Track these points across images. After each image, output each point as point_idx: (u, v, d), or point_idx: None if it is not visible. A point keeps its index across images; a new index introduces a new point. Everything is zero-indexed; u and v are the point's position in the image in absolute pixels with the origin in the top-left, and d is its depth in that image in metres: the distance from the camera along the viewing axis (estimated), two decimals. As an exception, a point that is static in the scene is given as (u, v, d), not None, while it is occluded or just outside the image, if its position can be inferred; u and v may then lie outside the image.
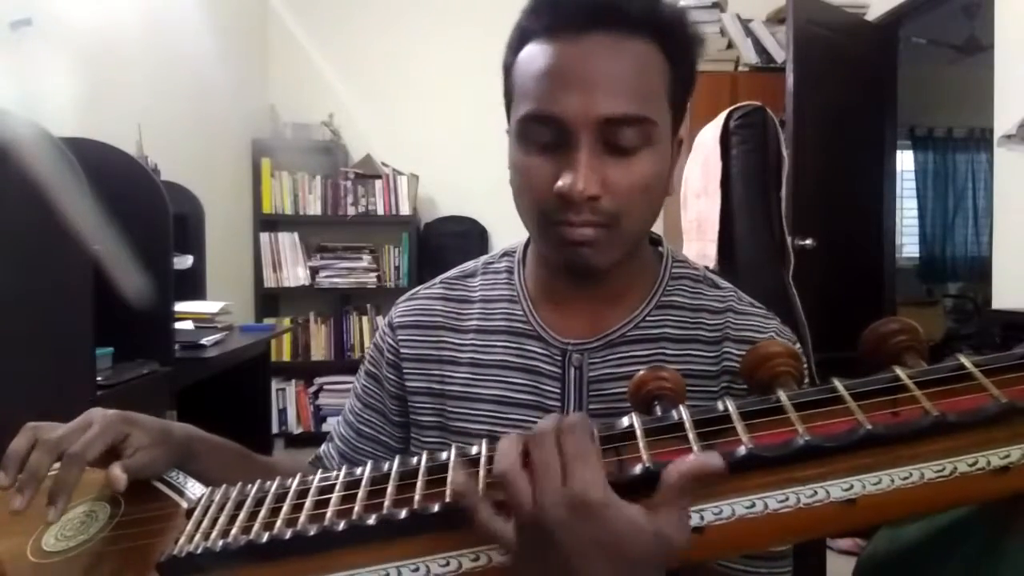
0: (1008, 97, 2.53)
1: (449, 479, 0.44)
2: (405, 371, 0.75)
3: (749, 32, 3.39)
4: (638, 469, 0.39)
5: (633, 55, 0.60)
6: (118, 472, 0.57)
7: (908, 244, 5.52)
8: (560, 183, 0.59)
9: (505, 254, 0.79)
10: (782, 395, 0.42)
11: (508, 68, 0.66)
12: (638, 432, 0.42)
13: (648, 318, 0.69)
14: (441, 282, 0.79)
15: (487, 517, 0.40)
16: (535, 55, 0.61)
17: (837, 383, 0.41)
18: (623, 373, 0.67)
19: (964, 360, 0.40)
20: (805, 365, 0.69)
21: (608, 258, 0.63)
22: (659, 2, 0.61)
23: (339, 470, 0.50)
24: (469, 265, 0.80)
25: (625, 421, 0.44)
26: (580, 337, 0.69)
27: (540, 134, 0.61)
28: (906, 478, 0.38)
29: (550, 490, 0.38)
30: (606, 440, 0.43)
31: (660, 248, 0.75)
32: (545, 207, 0.62)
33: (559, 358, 0.69)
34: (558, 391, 0.68)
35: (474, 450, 0.47)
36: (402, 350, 0.75)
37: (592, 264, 0.63)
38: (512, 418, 0.69)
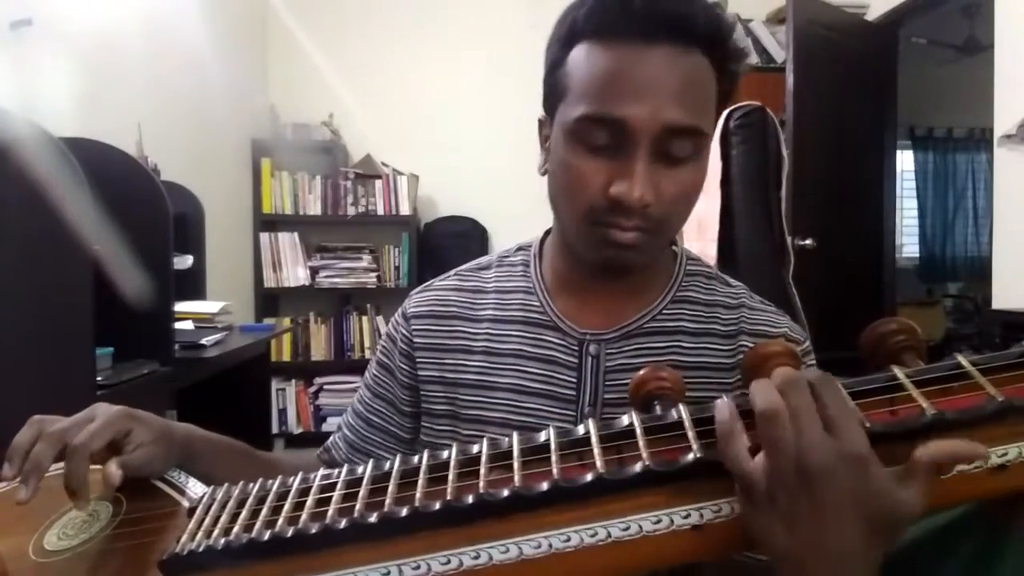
0: (1008, 97, 2.53)
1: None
2: (418, 360, 0.75)
3: (749, 32, 3.39)
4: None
5: (693, 67, 0.60)
6: (113, 469, 0.57)
7: (908, 244, 5.52)
8: (616, 189, 0.60)
9: (520, 248, 0.80)
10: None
11: (556, 62, 0.65)
12: (638, 431, 0.43)
13: (665, 311, 0.71)
14: (456, 274, 0.80)
15: (745, 459, 0.39)
16: (596, 56, 0.61)
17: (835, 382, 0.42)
18: (639, 364, 0.67)
19: (962, 359, 0.40)
20: (813, 362, 0.70)
21: (646, 260, 0.65)
22: (719, 17, 0.62)
23: (346, 462, 0.51)
24: (484, 259, 0.81)
25: (625, 420, 0.44)
26: (597, 328, 0.70)
27: (597, 136, 0.61)
28: (905, 476, 0.38)
29: (817, 436, 0.37)
30: (605, 439, 0.44)
31: (674, 246, 0.77)
32: (595, 206, 0.62)
33: (576, 348, 0.70)
34: (574, 380, 0.69)
35: (475, 449, 0.47)
36: (415, 339, 0.76)
37: (631, 265, 0.65)
38: (527, 407, 0.69)
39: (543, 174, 0.69)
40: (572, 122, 0.62)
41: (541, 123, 0.71)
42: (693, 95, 0.60)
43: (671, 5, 0.59)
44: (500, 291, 0.76)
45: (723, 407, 0.40)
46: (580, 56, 0.62)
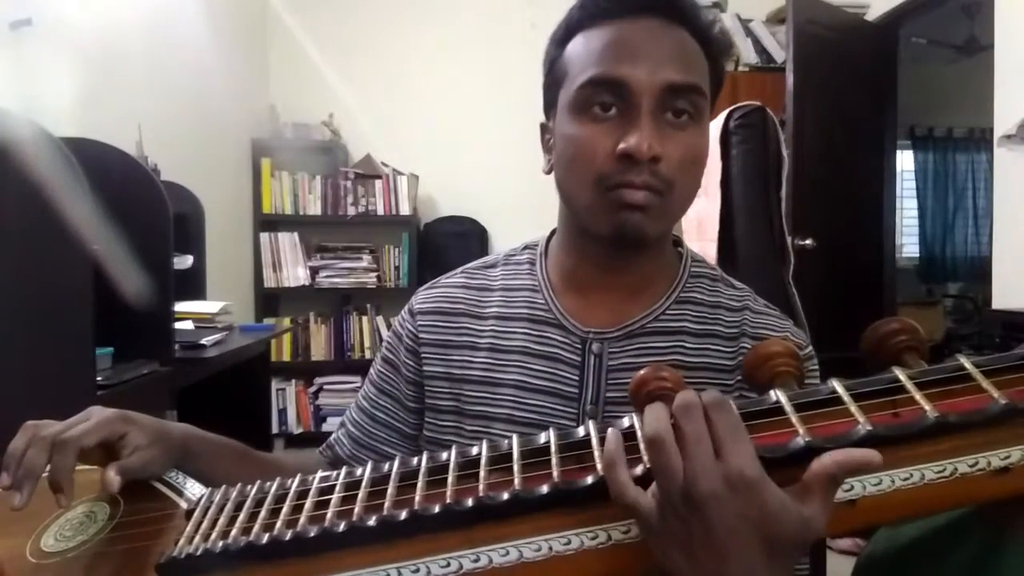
0: (1008, 97, 2.53)
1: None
2: (424, 356, 0.76)
3: (749, 32, 3.39)
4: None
5: (682, 38, 0.66)
6: (112, 474, 0.57)
7: (908, 244, 5.52)
8: (624, 144, 0.62)
9: (527, 247, 0.81)
10: (782, 396, 0.42)
11: (554, 60, 0.70)
12: (639, 433, 0.42)
13: (668, 311, 0.72)
14: (463, 271, 0.81)
15: (629, 487, 0.39)
16: (592, 36, 0.66)
17: (837, 384, 0.41)
18: (642, 363, 0.67)
19: (964, 361, 0.40)
20: (816, 367, 0.71)
21: (657, 228, 0.66)
22: (701, 7, 0.68)
23: (350, 458, 0.51)
24: (490, 257, 0.82)
25: (625, 422, 0.44)
26: (601, 327, 0.71)
27: (600, 98, 0.64)
28: (906, 479, 0.38)
29: (706, 462, 0.37)
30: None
31: (680, 248, 0.78)
32: (605, 171, 0.64)
33: (579, 346, 0.71)
34: (576, 379, 0.70)
35: (474, 451, 0.47)
36: (421, 335, 0.77)
37: (643, 231, 0.65)
38: (531, 404, 0.70)
39: (548, 172, 0.73)
40: (575, 91, 0.65)
41: (543, 127, 0.75)
42: (686, 58, 0.65)
43: None
44: (506, 288, 0.77)
45: (612, 437, 0.41)
46: (577, 43, 0.67)
